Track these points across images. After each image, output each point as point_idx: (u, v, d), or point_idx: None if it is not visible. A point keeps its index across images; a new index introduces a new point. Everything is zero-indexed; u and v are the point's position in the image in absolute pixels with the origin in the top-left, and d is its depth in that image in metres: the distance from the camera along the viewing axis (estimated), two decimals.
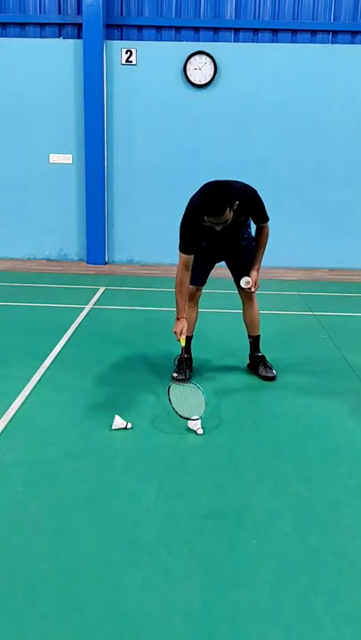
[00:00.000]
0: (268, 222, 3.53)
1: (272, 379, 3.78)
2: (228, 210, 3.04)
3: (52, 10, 7.50)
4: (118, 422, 3.05)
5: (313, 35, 7.46)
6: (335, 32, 7.44)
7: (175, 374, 3.72)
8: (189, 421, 3.08)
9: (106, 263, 7.98)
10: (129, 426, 3.05)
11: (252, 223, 3.62)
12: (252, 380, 3.83)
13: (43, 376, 3.76)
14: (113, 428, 3.04)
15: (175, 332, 3.38)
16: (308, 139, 7.64)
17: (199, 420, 3.07)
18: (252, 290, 3.61)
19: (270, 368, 3.85)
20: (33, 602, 1.87)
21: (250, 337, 3.93)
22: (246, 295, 3.77)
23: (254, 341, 3.92)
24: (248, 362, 3.98)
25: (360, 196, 7.80)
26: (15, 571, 2.00)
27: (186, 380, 3.61)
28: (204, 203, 3.08)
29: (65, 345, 4.39)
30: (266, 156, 7.68)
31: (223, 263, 3.82)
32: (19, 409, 3.26)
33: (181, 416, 3.11)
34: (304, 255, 7.94)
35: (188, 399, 3.16)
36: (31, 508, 2.37)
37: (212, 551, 2.13)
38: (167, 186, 7.58)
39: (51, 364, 3.97)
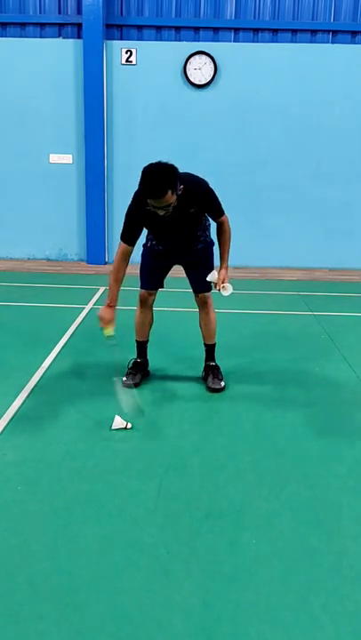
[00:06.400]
0: (226, 218, 3.33)
1: (218, 390, 3.55)
2: (169, 192, 2.83)
3: (52, 10, 7.50)
4: (118, 422, 3.05)
5: (313, 35, 7.46)
6: (335, 32, 7.44)
7: (124, 378, 3.57)
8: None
9: (106, 263, 7.97)
10: (129, 426, 3.05)
11: (212, 225, 3.48)
12: (252, 379, 3.82)
13: (42, 376, 3.76)
14: (113, 427, 3.04)
15: (100, 317, 3.20)
16: (308, 139, 7.64)
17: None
18: (217, 288, 3.32)
19: (219, 380, 3.60)
20: (33, 602, 1.87)
21: (205, 345, 3.71)
22: (202, 302, 3.57)
23: (209, 350, 3.71)
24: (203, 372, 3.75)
25: (360, 196, 7.80)
26: (15, 570, 2.00)
27: (137, 384, 3.57)
28: (143, 182, 2.86)
29: (65, 345, 4.38)
30: (266, 155, 7.68)
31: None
32: (19, 409, 3.26)
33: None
34: (304, 255, 7.94)
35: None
36: (31, 508, 2.37)
37: (212, 551, 2.13)
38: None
39: (50, 364, 3.96)
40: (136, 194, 3.10)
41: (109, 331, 3.21)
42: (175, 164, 2.93)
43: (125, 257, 3.24)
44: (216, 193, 3.26)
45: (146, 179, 2.85)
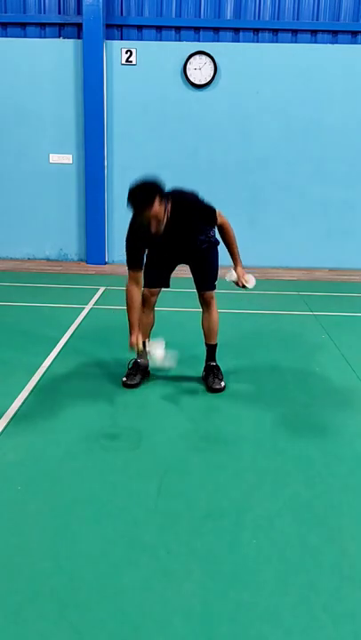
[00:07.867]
0: (224, 219, 3.36)
1: (219, 390, 3.55)
2: (156, 202, 2.95)
3: (52, 10, 7.50)
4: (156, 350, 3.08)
5: (313, 35, 7.46)
6: (336, 32, 7.44)
7: (124, 379, 3.61)
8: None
9: (106, 263, 7.99)
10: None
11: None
12: (252, 379, 3.82)
13: (42, 376, 3.75)
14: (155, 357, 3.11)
15: (132, 345, 3.23)
16: (308, 139, 7.64)
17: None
18: (240, 284, 3.44)
19: (220, 380, 3.61)
20: (33, 602, 1.87)
21: (206, 345, 3.72)
22: (206, 301, 3.60)
23: (210, 350, 3.72)
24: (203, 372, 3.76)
25: (360, 195, 7.80)
26: (15, 570, 2.00)
27: (137, 385, 3.57)
28: (129, 197, 3.00)
29: (64, 345, 4.38)
30: (266, 156, 7.68)
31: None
32: (19, 409, 3.26)
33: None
34: (304, 255, 7.94)
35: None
36: (31, 508, 2.37)
37: (212, 551, 2.13)
38: (167, 186, 7.56)
39: (50, 365, 3.96)
40: (130, 222, 3.22)
41: (140, 346, 3.22)
42: (162, 175, 3.07)
43: (136, 282, 3.33)
44: (206, 199, 3.29)
45: (131, 193, 2.99)
